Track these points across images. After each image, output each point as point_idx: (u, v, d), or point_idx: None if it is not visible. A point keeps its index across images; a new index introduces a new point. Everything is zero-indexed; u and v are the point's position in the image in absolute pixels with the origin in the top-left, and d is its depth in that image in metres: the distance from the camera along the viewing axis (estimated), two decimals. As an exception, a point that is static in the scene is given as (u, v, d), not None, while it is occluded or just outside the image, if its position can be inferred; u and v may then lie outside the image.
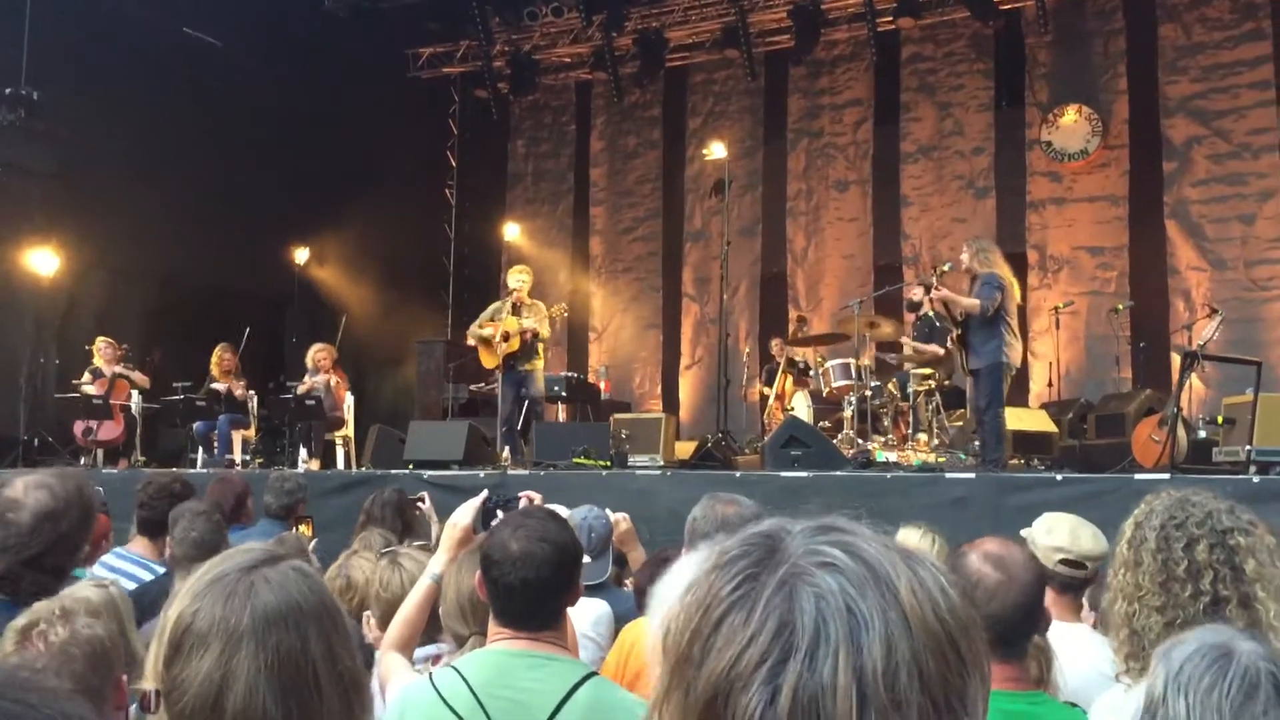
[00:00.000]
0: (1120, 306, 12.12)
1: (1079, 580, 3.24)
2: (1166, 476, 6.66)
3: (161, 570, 4.43)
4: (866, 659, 0.82)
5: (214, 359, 11.85)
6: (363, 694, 1.48)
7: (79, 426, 11.28)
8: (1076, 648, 2.95)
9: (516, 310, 10.33)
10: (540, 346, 10.47)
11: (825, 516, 0.94)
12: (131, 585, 4.20)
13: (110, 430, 11.36)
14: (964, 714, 0.86)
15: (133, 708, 1.93)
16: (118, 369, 11.70)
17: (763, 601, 0.85)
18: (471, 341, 10.81)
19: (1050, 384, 12.26)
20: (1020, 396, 12.51)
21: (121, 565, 4.58)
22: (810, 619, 0.83)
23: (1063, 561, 3.20)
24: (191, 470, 10.63)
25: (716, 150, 12.86)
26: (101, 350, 11.67)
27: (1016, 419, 10.25)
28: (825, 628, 0.83)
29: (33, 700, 0.87)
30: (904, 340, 10.61)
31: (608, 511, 4.06)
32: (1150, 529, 2.37)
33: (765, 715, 0.81)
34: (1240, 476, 7.09)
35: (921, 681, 0.83)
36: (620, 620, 3.49)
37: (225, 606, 1.42)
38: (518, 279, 10.48)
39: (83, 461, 11.21)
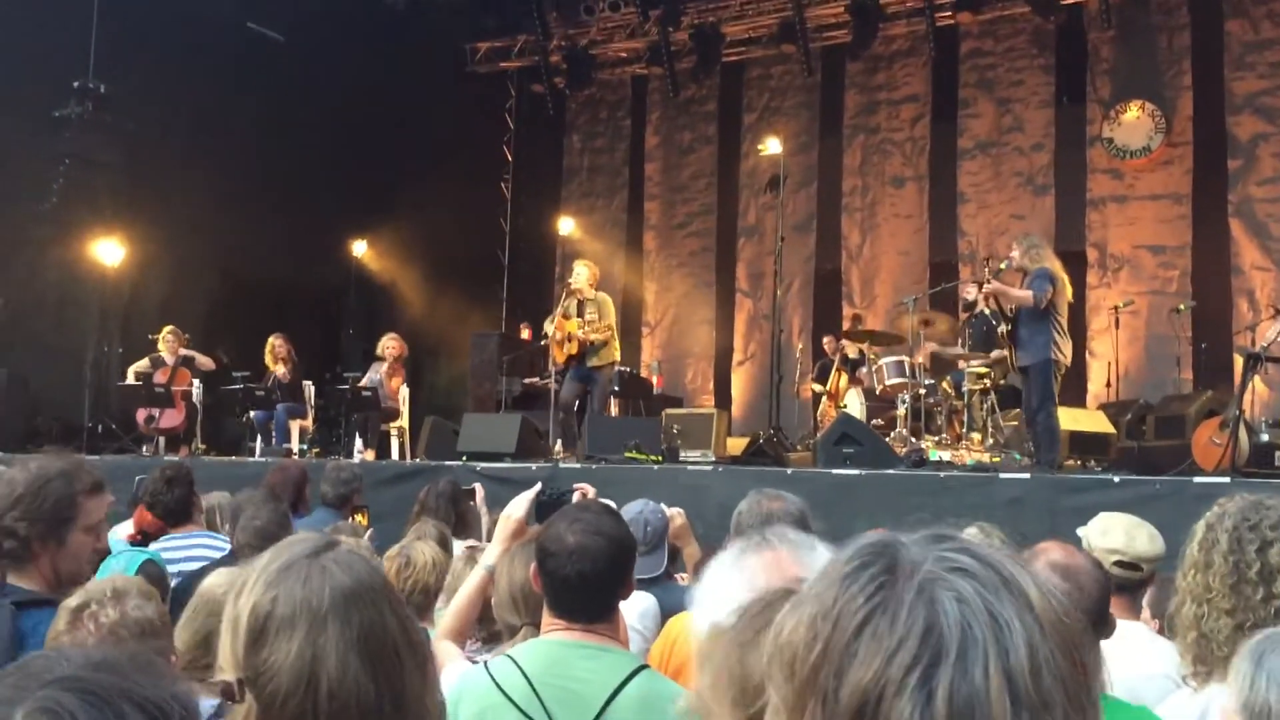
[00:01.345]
0: (1182, 307, 11.92)
1: (1134, 582, 3.20)
2: (1227, 480, 6.56)
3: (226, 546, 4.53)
4: (1014, 661, 0.83)
5: (268, 347, 12.02)
6: (433, 665, 1.53)
7: (141, 414, 11.51)
8: (1133, 648, 2.92)
9: (581, 308, 10.20)
10: (612, 345, 10.29)
11: (933, 526, 0.95)
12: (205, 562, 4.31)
13: (172, 418, 11.57)
14: (1092, 710, 0.88)
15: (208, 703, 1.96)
16: (185, 352, 11.91)
17: (905, 607, 0.86)
18: (526, 334, 10.80)
19: (1109, 384, 12.09)
20: (1078, 397, 12.35)
21: (194, 543, 4.70)
22: (955, 623, 0.84)
23: (1117, 563, 3.17)
24: (251, 459, 10.82)
25: (772, 146, 12.81)
26: (166, 339, 11.89)
27: (1073, 419, 10.12)
28: (970, 631, 0.84)
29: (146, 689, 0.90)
30: (956, 353, 10.46)
31: (663, 506, 4.08)
32: (1223, 531, 2.33)
33: (920, 719, 0.82)
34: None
35: (1061, 681, 0.85)
36: (671, 614, 3.51)
37: (304, 589, 1.47)
38: (576, 273, 10.36)
39: (145, 449, 11.44)
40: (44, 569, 2.73)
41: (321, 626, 1.43)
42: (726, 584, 2.00)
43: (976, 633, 0.84)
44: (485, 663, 2.43)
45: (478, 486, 6.43)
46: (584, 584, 2.38)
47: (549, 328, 10.34)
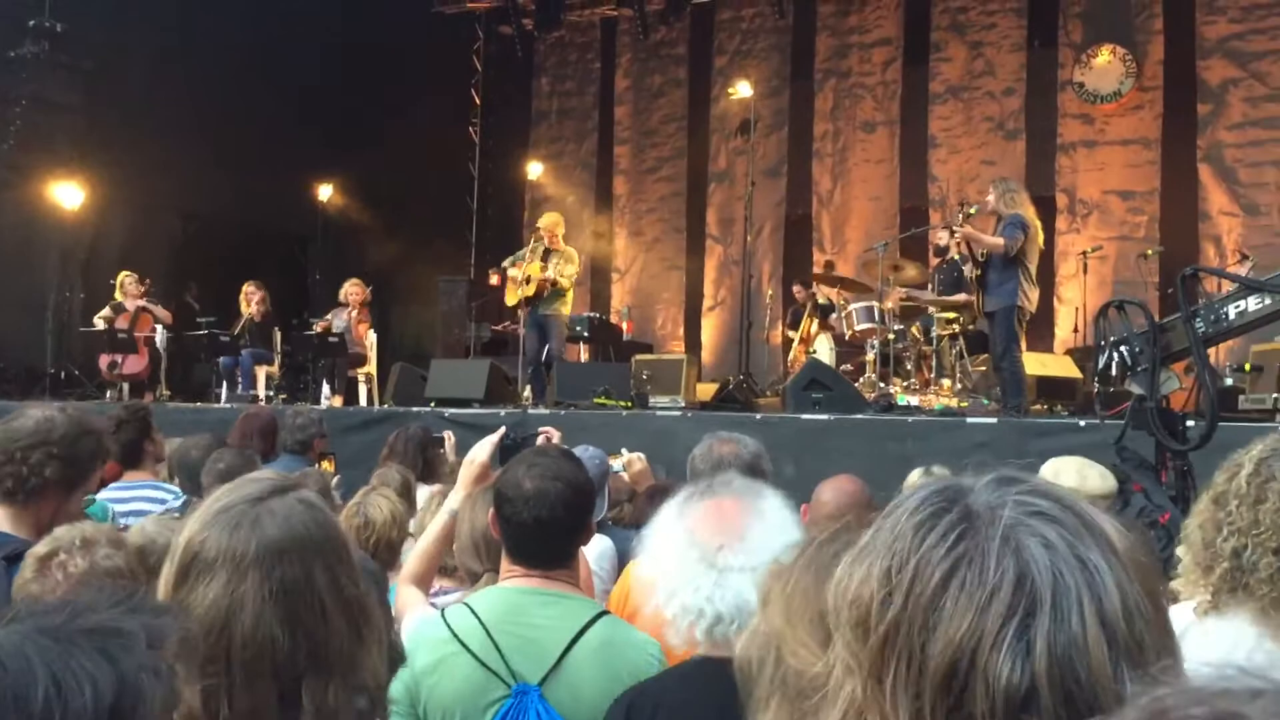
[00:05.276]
0: (1150, 252, 11.95)
1: None
2: (1190, 424, 6.59)
3: None
4: (1107, 606, 0.81)
5: (241, 295, 11.85)
6: (372, 620, 1.53)
7: (104, 360, 11.36)
8: None
9: (547, 255, 10.25)
10: (567, 294, 10.42)
11: (995, 469, 0.91)
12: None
13: (135, 364, 11.43)
14: (1176, 648, 0.86)
15: None
16: (141, 303, 11.74)
17: (993, 556, 0.82)
18: (494, 279, 10.79)
19: (1076, 329, 12.15)
20: (1045, 342, 12.42)
21: (137, 494, 4.56)
22: (1045, 570, 0.82)
23: None
24: (216, 405, 10.73)
25: (742, 89, 12.67)
26: (125, 285, 11.69)
27: (1041, 364, 10.18)
28: (1062, 578, 0.81)
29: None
30: (927, 298, 10.43)
31: (623, 450, 4.06)
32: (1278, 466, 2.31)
33: (1020, 672, 0.79)
34: (1267, 424, 7.01)
35: (1148, 622, 0.83)
36: (623, 557, 3.51)
37: (232, 537, 1.47)
38: (547, 222, 10.44)
39: (109, 395, 11.30)
40: (43, 516, 2.69)
41: (241, 578, 1.44)
42: (669, 531, 1.99)
43: (1068, 579, 0.81)
44: (442, 611, 2.40)
45: (449, 434, 6.39)
46: (542, 530, 2.34)
47: (511, 269, 10.35)
